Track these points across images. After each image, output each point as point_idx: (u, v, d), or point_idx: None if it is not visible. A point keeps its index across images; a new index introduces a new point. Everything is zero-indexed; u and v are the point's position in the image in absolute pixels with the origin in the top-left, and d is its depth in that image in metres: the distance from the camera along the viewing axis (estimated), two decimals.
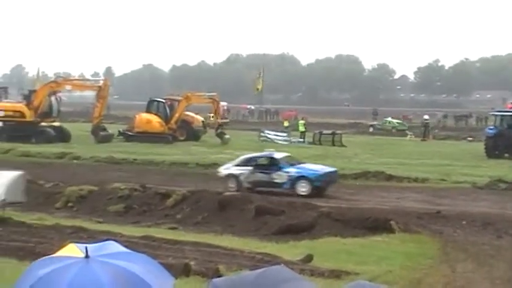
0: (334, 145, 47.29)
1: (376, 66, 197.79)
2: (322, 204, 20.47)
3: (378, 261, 14.07)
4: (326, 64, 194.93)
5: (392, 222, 17.64)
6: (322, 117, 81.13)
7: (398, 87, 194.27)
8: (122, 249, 4.10)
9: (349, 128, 66.28)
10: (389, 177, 28.98)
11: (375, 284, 3.63)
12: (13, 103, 48.42)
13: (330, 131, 51.51)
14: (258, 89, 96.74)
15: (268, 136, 50.99)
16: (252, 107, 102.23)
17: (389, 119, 76.22)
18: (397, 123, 74.20)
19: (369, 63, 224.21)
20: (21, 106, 45.09)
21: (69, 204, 21.46)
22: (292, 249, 15.69)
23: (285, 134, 52.47)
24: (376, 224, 17.64)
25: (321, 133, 50.49)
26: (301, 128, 53.15)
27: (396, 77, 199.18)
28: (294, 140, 50.53)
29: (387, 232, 17.24)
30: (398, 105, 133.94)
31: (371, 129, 68.99)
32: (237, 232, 18.13)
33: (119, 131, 48.25)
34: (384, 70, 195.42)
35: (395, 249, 15.62)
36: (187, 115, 50.35)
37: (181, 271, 12.36)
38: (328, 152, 41.02)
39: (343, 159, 36.68)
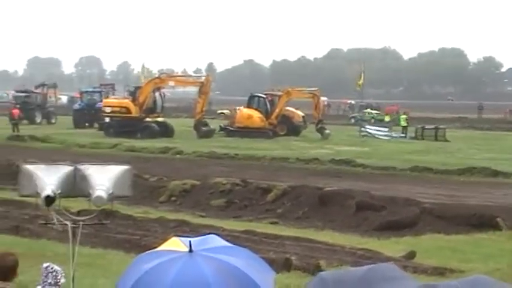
0: (437, 140, 46.27)
1: (482, 59, 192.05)
2: (425, 200, 20.03)
3: (484, 259, 13.66)
4: (429, 58, 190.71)
5: (499, 219, 17.08)
6: (424, 112, 79.47)
7: (506, 80, 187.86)
8: (224, 243, 4.15)
9: (452, 123, 64.60)
10: (496, 173, 28.03)
11: (495, 280, 3.48)
12: (119, 99, 49.90)
13: (432, 126, 50.42)
14: (359, 84, 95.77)
15: (369, 131, 50.39)
16: (353, 102, 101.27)
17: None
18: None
19: (474, 56, 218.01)
20: (127, 102, 46.38)
21: (173, 198, 21.95)
22: (393, 246, 15.47)
23: (386, 129, 51.74)
24: (481, 221, 17.15)
25: (423, 128, 49.52)
26: (403, 123, 52.27)
27: (503, 70, 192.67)
28: (395, 135, 49.75)
29: (493, 229, 16.72)
30: (506, 99, 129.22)
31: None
32: (338, 227, 18.03)
33: (220, 126, 48.84)
34: (490, 63, 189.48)
35: (502, 247, 15.11)
36: (288, 110, 50.40)
37: (282, 266, 12.41)
38: (430, 147, 40.18)
39: (446, 154, 35.84)
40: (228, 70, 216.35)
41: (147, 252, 4.06)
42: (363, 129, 50.98)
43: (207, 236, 4.19)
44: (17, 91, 65.43)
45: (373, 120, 65.43)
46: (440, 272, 12.45)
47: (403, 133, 50.54)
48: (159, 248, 4.08)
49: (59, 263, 6.91)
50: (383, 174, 28.34)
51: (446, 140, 46.06)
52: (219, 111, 69.89)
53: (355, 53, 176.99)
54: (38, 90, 62.17)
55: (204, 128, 45.78)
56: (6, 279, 5.60)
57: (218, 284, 3.66)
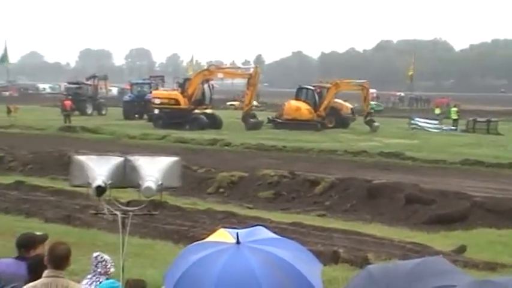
0: (489, 133, 45.49)
1: None
2: (476, 194, 19.74)
3: None
4: (481, 49, 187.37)
5: None
6: (475, 105, 78.16)
7: None
8: (272, 235, 4.14)
9: (504, 116, 63.40)
10: None
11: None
12: (169, 91, 50.29)
13: (484, 119, 49.57)
14: (409, 76, 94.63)
15: (419, 124, 49.81)
16: (402, 94, 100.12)
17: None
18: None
19: None
20: (176, 94, 46.73)
21: (221, 189, 22.06)
22: (443, 240, 15.29)
23: (436, 122, 51.07)
24: None
25: (475, 121, 48.75)
26: (454, 116, 51.52)
27: None
28: (445, 127, 49.07)
29: None
30: None
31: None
32: (386, 220, 17.90)
33: (268, 118, 48.86)
34: None
35: None
36: (336, 102, 50.15)
37: (330, 258, 12.37)
38: (481, 140, 39.52)
39: (497, 148, 35.21)
40: (277, 62, 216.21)
41: (195, 243, 4.07)
42: (412, 121, 50.40)
43: (254, 227, 4.19)
44: (69, 83, 66.38)
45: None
46: (491, 267, 12.27)
47: (453, 126, 49.83)
48: (206, 240, 4.09)
49: (109, 253, 7.02)
50: (433, 167, 28.00)
51: (498, 133, 45.26)
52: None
53: (405, 45, 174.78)
54: (89, 82, 63.05)
55: (252, 120, 45.86)
56: (59, 268, 5.72)
57: (265, 275, 3.66)
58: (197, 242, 4.09)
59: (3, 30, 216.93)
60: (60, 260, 5.74)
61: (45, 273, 5.71)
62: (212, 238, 4.05)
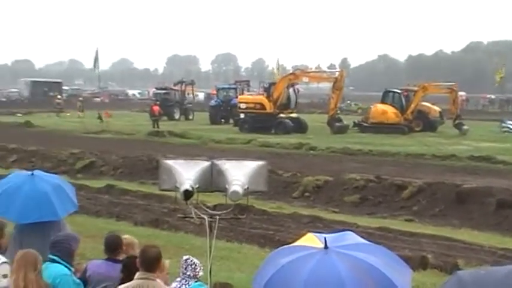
0: None
1: None
2: None
3: None
4: None
5: None
6: None
7: None
8: (360, 240, 4.10)
9: None
10: None
11: None
12: (254, 95, 50.55)
13: None
14: (499, 78, 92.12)
15: (511, 127, 48.33)
16: (493, 97, 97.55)
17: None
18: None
19: None
20: (262, 98, 46.93)
21: (306, 194, 22.03)
22: None
23: None
24: None
25: None
26: None
27: None
28: None
29: None
30: None
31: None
32: (476, 226, 17.47)
33: (354, 122, 48.47)
34: None
35: None
36: (424, 105, 49.26)
37: (418, 264, 12.18)
38: None
39: None
40: (362, 65, 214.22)
41: (283, 247, 4.09)
42: (503, 124, 48.96)
43: (343, 232, 4.17)
44: (157, 88, 67.62)
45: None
46: None
47: None
48: (295, 244, 4.09)
49: (196, 256, 7.09)
50: None
51: None
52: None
53: (496, 46, 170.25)
54: (177, 88, 64.08)
55: (337, 124, 45.58)
56: (150, 270, 5.85)
57: (353, 281, 3.63)
58: (285, 246, 4.10)
59: (96, 38, 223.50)
60: (151, 263, 5.88)
61: (137, 275, 5.86)
62: (300, 242, 4.05)
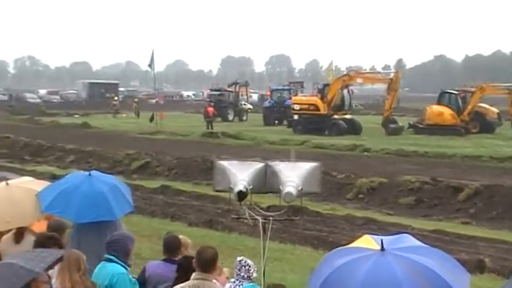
0: None
1: None
2: None
3: None
4: None
5: None
6: None
7: None
8: (417, 243, 4.06)
9: None
10: None
11: None
12: (308, 97, 50.44)
13: None
14: None
15: None
16: None
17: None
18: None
19: None
20: (316, 99, 46.82)
21: (360, 195, 21.88)
22: None
23: None
24: None
25: None
26: None
27: None
28: None
29: None
30: None
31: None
32: None
33: (409, 124, 47.94)
34: None
35: None
36: (481, 107, 48.39)
37: (475, 267, 11.99)
38: None
39: None
40: (418, 66, 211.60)
41: (339, 248, 4.08)
42: None
43: (400, 235, 4.14)
44: (211, 90, 68.08)
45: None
46: None
47: None
48: (351, 245, 4.08)
49: (249, 257, 7.12)
50: None
51: None
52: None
53: None
54: (231, 89, 64.40)
55: (392, 125, 45.16)
56: (206, 271, 5.91)
57: (409, 283, 3.60)
58: (341, 247, 4.09)
59: (152, 40, 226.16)
60: (208, 264, 5.95)
61: (194, 275, 5.92)
62: (356, 244, 4.03)
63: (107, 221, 7.50)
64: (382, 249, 3.76)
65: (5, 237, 7.59)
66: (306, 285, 4.09)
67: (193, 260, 6.02)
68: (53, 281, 6.38)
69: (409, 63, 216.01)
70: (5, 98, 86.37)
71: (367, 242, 3.96)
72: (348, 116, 46.49)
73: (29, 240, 7.03)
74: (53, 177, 17.16)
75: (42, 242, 6.40)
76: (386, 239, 3.90)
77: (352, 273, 3.66)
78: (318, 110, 45.44)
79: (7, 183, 8.13)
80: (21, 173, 17.64)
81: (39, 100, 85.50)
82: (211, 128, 47.12)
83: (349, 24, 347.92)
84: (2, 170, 22.59)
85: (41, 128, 49.04)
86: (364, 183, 22.25)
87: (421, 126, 46.58)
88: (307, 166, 8.20)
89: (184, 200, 20.83)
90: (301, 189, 7.77)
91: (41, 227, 7.61)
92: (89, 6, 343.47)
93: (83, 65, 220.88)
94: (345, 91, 46.98)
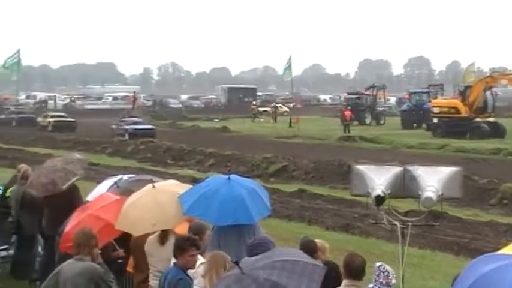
0: None
1: None
2: None
3: None
4: None
5: None
6: None
7: None
8: None
9: None
10: None
11: None
12: (448, 99, 49.19)
13: None
14: None
15: None
16: None
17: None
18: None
19: None
20: (456, 102, 45.60)
21: (504, 201, 21.01)
22: None
23: None
24: None
25: None
26: None
27: None
28: None
29: None
30: None
31: None
32: None
33: None
34: None
35: None
36: None
37: None
38: None
39: None
40: None
41: (486, 254, 3.97)
42: None
43: None
44: (349, 93, 67.86)
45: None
46: None
47: None
48: (499, 252, 3.96)
49: (387, 262, 7.02)
50: None
51: None
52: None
53: None
54: (368, 92, 63.90)
55: None
56: (356, 279, 6.14)
57: None
58: (489, 254, 3.99)
59: (289, 44, 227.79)
60: (358, 271, 6.15)
61: (344, 282, 6.02)
62: (505, 251, 3.91)
63: (245, 224, 7.62)
64: None
65: (151, 238, 7.87)
66: None
67: (343, 269, 6.18)
68: (198, 280, 6.62)
69: None
70: (149, 103, 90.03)
71: None
72: (491, 119, 44.88)
73: (172, 241, 7.28)
74: (194, 181, 17.65)
75: (181, 244, 6.65)
76: None
77: (500, 279, 3.54)
78: (459, 112, 44.25)
79: (153, 186, 8.43)
80: (164, 176, 18.24)
81: (180, 105, 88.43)
82: (348, 132, 46.92)
83: (492, 24, 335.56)
84: (147, 174, 23.51)
85: (182, 132, 50.71)
86: (509, 189, 21.33)
87: None
88: (447, 171, 8.00)
89: (320, 203, 20.83)
90: (442, 194, 7.58)
91: (183, 228, 7.85)
92: (228, 14, 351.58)
93: (222, 70, 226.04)
94: (488, 93, 45.42)
